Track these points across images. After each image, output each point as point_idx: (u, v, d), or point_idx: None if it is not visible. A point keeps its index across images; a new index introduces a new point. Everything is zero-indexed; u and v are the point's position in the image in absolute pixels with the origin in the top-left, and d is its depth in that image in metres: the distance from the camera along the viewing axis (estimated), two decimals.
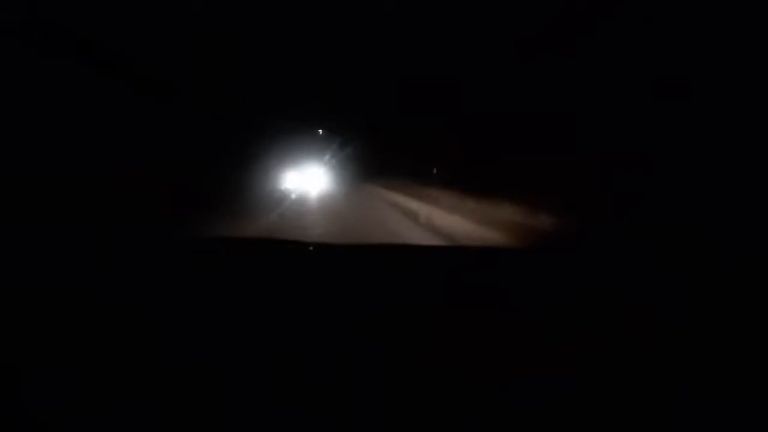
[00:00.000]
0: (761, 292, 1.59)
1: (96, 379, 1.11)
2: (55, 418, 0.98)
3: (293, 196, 8.11)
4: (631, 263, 2.02)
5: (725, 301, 1.59)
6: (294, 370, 1.17)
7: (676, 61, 2.05)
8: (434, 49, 5.46)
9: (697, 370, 1.20)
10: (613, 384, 1.13)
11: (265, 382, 1.12)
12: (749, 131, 1.76)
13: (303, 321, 1.48)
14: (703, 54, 1.92)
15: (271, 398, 1.06)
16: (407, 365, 1.20)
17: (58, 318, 1.47)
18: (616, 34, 2.39)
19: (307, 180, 10.08)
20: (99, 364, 1.18)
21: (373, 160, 12.62)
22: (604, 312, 1.57)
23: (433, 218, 5.07)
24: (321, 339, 1.35)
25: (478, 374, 1.17)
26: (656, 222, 2.09)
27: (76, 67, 5.45)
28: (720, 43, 1.85)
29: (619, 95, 2.38)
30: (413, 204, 6.34)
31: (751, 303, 1.56)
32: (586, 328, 1.46)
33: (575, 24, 2.75)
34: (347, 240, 3.95)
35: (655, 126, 2.16)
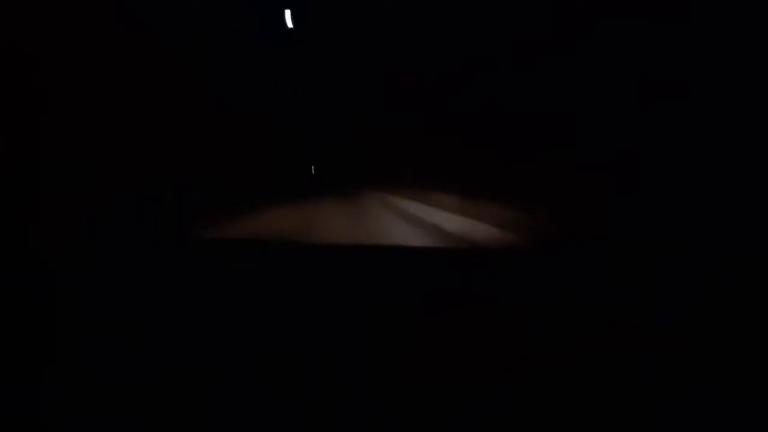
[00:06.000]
0: (760, 293, 1.59)
1: (96, 378, 1.10)
2: (55, 417, 0.98)
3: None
4: (628, 263, 2.02)
5: (723, 301, 1.60)
6: (295, 369, 1.17)
7: (675, 61, 2.06)
8: (434, 51, 5.46)
9: (694, 370, 1.20)
10: (610, 384, 1.14)
11: (266, 381, 1.12)
12: (749, 131, 1.77)
13: (303, 320, 1.48)
14: (702, 54, 1.93)
15: (272, 397, 1.06)
16: (406, 364, 1.21)
17: (57, 316, 1.46)
18: (614, 34, 2.40)
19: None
20: (98, 363, 1.17)
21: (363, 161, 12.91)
22: (600, 313, 1.58)
23: (425, 215, 5.14)
24: (321, 338, 1.35)
25: (474, 373, 1.17)
26: (653, 222, 2.10)
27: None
28: (719, 43, 1.86)
29: (617, 93, 2.39)
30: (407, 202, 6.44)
31: (749, 304, 1.56)
32: (582, 329, 1.46)
33: (569, 24, 2.76)
34: (349, 234, 3.96)
35: (652, 125, 2.17)
